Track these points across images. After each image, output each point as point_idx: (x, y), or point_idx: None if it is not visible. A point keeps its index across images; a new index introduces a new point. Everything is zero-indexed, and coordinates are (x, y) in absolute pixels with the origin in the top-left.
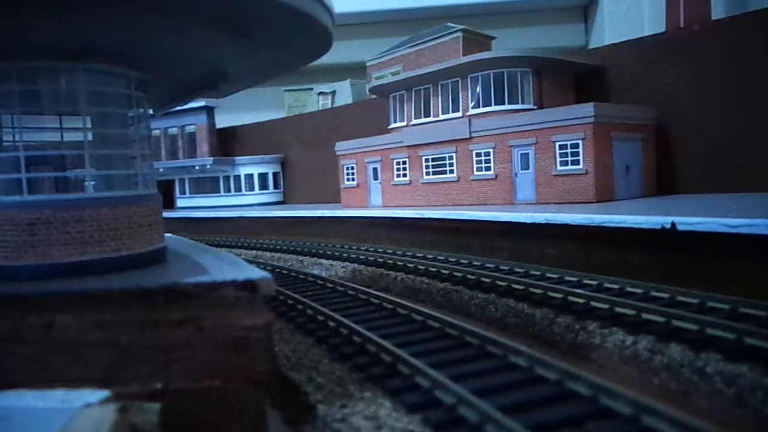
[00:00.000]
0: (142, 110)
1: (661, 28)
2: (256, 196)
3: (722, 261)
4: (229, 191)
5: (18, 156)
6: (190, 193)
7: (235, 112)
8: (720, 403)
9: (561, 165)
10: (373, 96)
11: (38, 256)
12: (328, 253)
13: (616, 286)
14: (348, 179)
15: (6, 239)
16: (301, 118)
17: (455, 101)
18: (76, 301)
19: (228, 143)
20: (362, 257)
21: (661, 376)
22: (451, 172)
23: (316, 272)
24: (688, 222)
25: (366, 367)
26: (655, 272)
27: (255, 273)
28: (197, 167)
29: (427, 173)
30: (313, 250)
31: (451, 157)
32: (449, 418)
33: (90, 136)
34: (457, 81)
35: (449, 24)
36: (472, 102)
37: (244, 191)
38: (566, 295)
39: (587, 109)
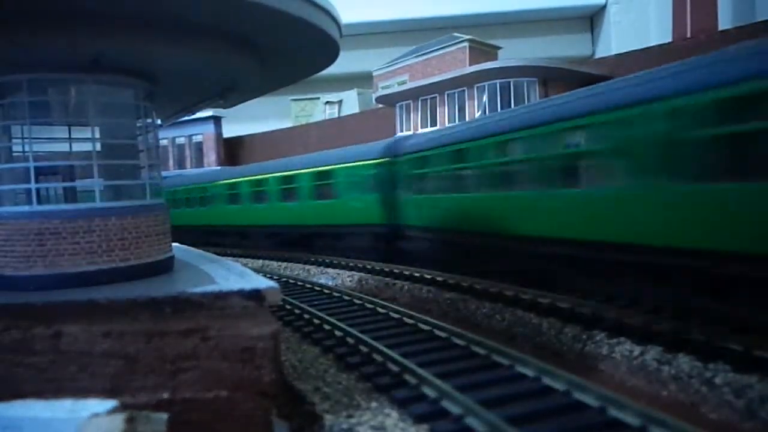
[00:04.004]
0: (150, 120)
1: (668, 38)
2: None
3: None
4: None
5: (28, 166)
6: None
7: (242, 122)
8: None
9: None
10: (380, 105)
11: (47, 266)
12: (335, 262)
13: None
14: None
15: (15, 249)
16: (308, 127)
17: (462, 110)
18: (84, 311)
19: (235, 152)
20: (368, 267)
21: None
22: None
23: (322, 281)
24: None
25: (373, 376)
26: None
27: (262, 282)
28: None
29: None
30: (320, 260)
31: None
32: (456, 429)
33: (98, 146)
34: (464, 90)
35: (456, 34)
36: (478, 111)
37: None
38: None
39: None
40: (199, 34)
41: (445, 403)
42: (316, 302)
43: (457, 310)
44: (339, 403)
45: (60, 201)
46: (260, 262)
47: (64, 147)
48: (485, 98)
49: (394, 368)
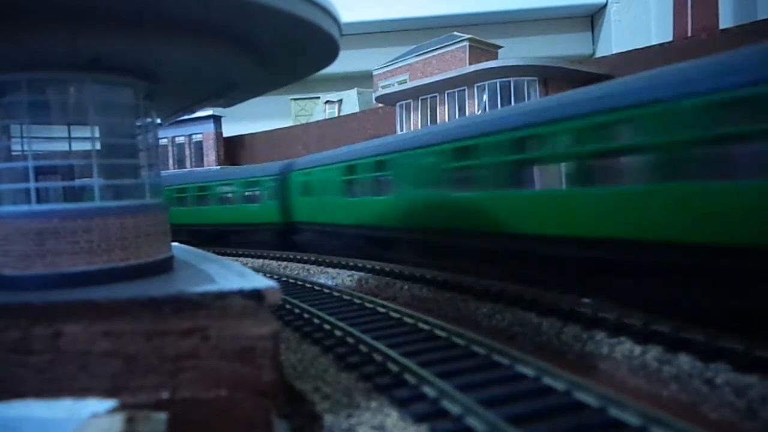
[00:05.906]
0: (149, 119)
1: (669, 37)
2: None
3: None
4: None
5: (27, 165)
6: None
7: (242, 121)
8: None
9: None
10: (380, 105)
11: (46, 265)
12: (335, 262)
13: None
14: None
15: (14, 249)
16: (308, 126)
17: (462, 110)
18: (84, 310)
19: (235, 151)
20: (368, 266)
21: None
22: None
23: (322, 281)
24: None
25: (372, 376)
26: None
27: (261, 282)
28: None
29: None
30: (319, 260)
31: None
32: (456, 429)
33: (98, 146)
34: (464, 90)
35: (456, 33)
36: (478, 110)
37: None
38: None
39: None
40: (199, 33)
41: (445, 403)
42: (316, 302)
43: (457, 309)
44: (339, 403)
45: (59, 200)
46: (260, 261)
47: (63, 146)
48: (485, 97)
49: (394, 368)
